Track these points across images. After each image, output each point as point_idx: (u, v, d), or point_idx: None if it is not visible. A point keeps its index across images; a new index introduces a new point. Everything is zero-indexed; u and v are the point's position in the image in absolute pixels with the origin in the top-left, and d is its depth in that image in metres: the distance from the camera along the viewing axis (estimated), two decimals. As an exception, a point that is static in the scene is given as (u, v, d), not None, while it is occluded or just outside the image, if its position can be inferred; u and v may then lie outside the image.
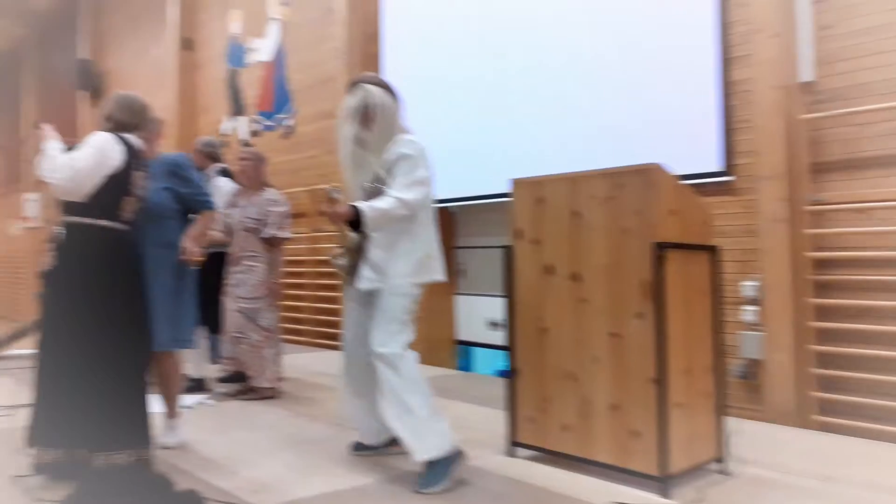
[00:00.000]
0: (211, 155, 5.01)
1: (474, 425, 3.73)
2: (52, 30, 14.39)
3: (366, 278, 2.91)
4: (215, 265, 4.65)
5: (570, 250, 2.94)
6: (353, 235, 2.94)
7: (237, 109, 9.20)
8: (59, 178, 2.63)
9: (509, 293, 3.17)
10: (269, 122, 8.63)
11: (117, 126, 2.93)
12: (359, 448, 3.23)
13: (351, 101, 2.92)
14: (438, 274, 2.98)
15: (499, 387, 3.89)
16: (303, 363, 6.08)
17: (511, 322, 3.16)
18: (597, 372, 2.83)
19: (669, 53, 4.55)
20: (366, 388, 3.03)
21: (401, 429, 2.79)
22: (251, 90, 8.97)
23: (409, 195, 2.81)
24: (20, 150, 15.19)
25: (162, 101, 10.53)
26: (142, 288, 2.90)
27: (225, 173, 4.86)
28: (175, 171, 3.29)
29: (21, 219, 14.66)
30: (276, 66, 8.52)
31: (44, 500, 2.53)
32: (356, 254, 2.97)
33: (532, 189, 3.10)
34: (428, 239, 2.95)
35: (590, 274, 2.87)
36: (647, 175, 2.71)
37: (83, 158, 2.69)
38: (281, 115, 8.41)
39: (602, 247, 2.83)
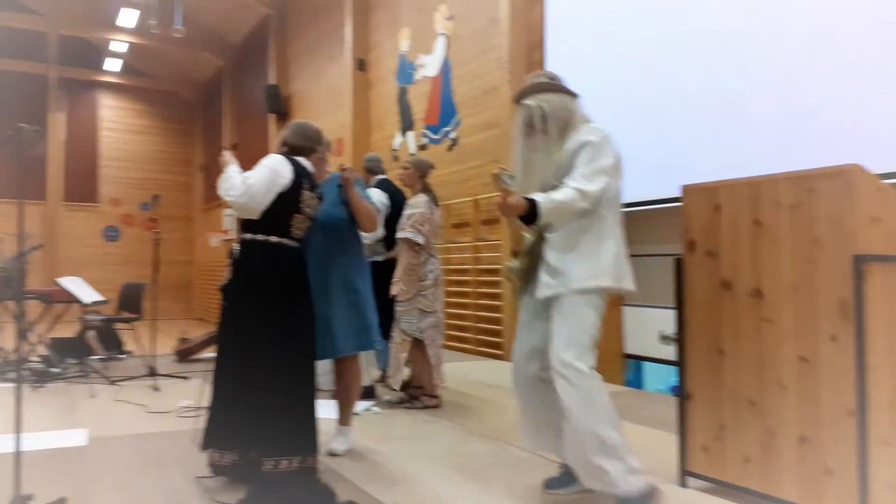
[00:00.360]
0: (370, 169, 5.18)
1: (643, 449, 3.47)
2: (246, 60, 15.81)
3: (543, 284, 2.62)
4: (379, 273, 4.77)
5: (751, 264, 2.65)
6: (527, 236, 2.75)
7: (406, 125, 9.51)
8: (235, 196, 2.81)
9: (680, 310, 2.93)
10: (435, 136, 8.82)
11: (291, 150, 3.11)
12: (553, 486, 2.87)
13: (517, 121, 2.79)
14: (628, 281, 2.64)
15: (671, 406, 3.62)
16: (465, 371, 6.10)
17: (683, 341, 2.92)
18: (782, 400, 2.52)
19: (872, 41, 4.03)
20: (539, 402, 2.76)
21: (585, 461, 2.49)
22: (419, 105, 9.23)
23: (591, 186, 2.51)
24: (218, 170, 16.79)
25: (338, 120, 11.19)
26: (310, 300, 3.02)
27: (381, 185, 4.99)
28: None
29: (220, 232, 16.21)
30: (442, 80, 8.70)
31: (219, 502, 2.70)
32: (531, 257, 2.74)
33: (706, 196, 2.84)
34: (615, 238, 2.63)
35: (774, 290, 2.57)
36: (843, 177, 2.37)
37: (256, 177, 2.86)
38: (447, 128, 8.57)
39: (788, 260, 2.53)
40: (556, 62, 6.82)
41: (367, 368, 4.81)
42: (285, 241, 2.95)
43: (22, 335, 5.59)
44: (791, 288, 2.51)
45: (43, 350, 5.69)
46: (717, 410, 2.76)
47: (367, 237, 4.46)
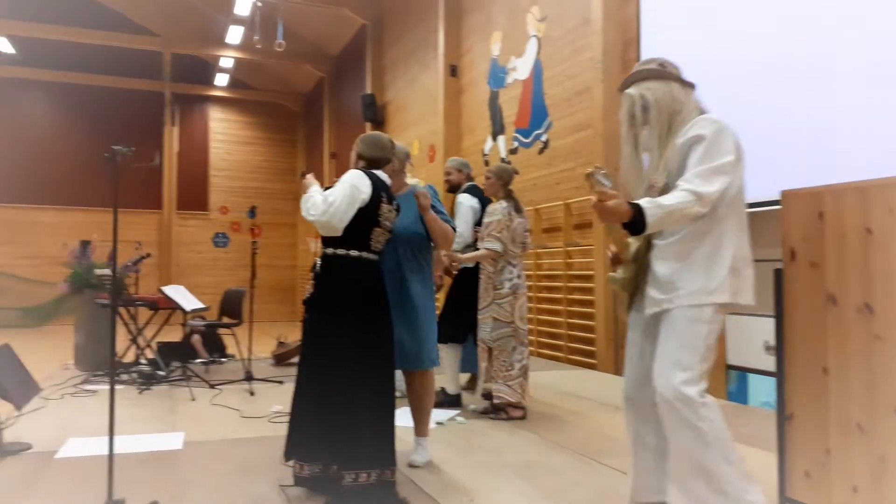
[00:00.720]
0: (466, 175, 5.11)
1: (740, 471, 3.28)
2: (344, 70, 16.24)
3: (651, 299, 2.36)
4: (467, 281, 4.74)
5: (860, 276, 2.41)
6: (632, 242, 2.47)
7: (498, 129, 9.44)
8: (317, 215, 2.83)
9: (780, 325, 2.71)
10: (525, 140, 8.71)
11: (367, 163, 3.11)
12: None
13: (621, 113, 2.51)
14: (746, 295, 2.33)
15: (773, 423, 3.38)
16: (556, 381, 5.96)
17: (783, 358, 2.70)
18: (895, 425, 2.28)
19: None
20: (653, 436, 2.49)
21: (690, 497, 2.25)
22: (510, 109, 9.15)
23: (707, 187, 2.19)
24: (320, 177, 17.35)
25: (431, 126, 11.28)
26: (388, 312, 3.01)
27: (469, 190, 4.94)
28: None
29: (317, 237, 16.70)
30: (534, 82, 8.58)
31: (300, 509, 2.73)
32: (638, 266, 2.47)
33: (809, 202, 2.62)
34: (735, 245, 2.31)
35: (886, 306, 2.32)
36: (967, 180, 2.12)
37: (336, 195, 2.86)
38: (538, 131, 8.44)
39: (903, 271, 2.28)
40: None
41: (455, 377, 4.78)
42: (365, 254, 2.95)
43: (132, 340, 5.94)
44: (906, 302, 2.26)
45: (151, 354, 6.01)
46: (821, 434, 2.53)
47: (457, 243, 4.44)
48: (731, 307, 2.34)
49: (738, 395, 5.95)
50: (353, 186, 2.90)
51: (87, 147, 18.16)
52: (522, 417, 4.40)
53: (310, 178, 3.06)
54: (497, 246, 4.31)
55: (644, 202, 2.18)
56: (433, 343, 3.32)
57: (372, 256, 2.99)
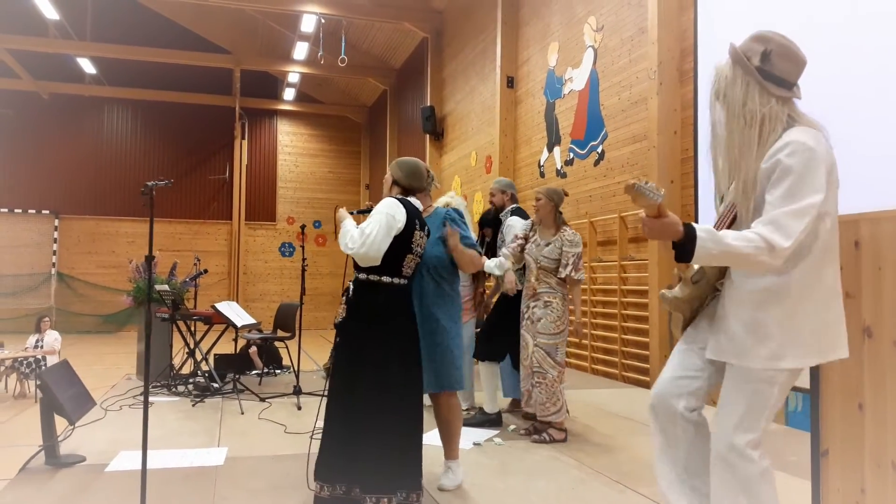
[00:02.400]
0: (513, 196, 5.07)
1: (782, 501, 3.14)
2: (406, 82, 16.45)
3: (717, 345, 2.12)
4: (504, 304, 4.73)
5: (896, 307, 2.29)
6: (697, 266, 2.20)
7: (554, 140, 9.37)
8: (355, 248, 2.88)
9: (815, 355, 2.58)
10: (581, 151, 8.61)
11: (401, 190, 3.16)
12: None
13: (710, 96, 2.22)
14: (836, 351, 2.04)
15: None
16: (606, 400, 5.85)
17: (818, 394, 2.58)
18: (934, 471, 2.14)
19: None
20: (685, 458, 2.28)
21: None
22: (566, 120, 9.07)
23: (782, 239, 1.85)
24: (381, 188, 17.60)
25: (488, 137, 11.29)
26: (417, 337, 3.03)
27: (517, 212, 4.90)
28: (455, 222, 3.38)
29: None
30: (590, 93, 8.48)
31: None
32: (700, 289, 2.23)
33: (845, 230, 2.48)
34: (819, 294, 1.98)
35: (923, 340, 2.19)
36: None
37: (372, 227, 2.89)
38: (593, 142, 8.33)
39: (942, 305, 2.15)
40: (709, 70, 6.39)
41: (492, 395, 4.76)
42: (396, 280, 2.99)
43: (189, 353, 6.17)
44: (945, 339, 2.13)
45: (206, 366, 6.22)
46: (856, 471, 2.40)
47: (504, 266, 4.43)
48: (813, 364, 2.10)
49: (802, 416, 5.69)
50: (389, 216, 2.93)
51: (162, 160, 19.00)
52: (564, 440, 4.34)
53: (342, 211, 3.12)
54: (583, 276, 4.41)
55: (701, 230, 1.88)
56: (457, 366, 3.30)
57: (402, 282, 3.02)
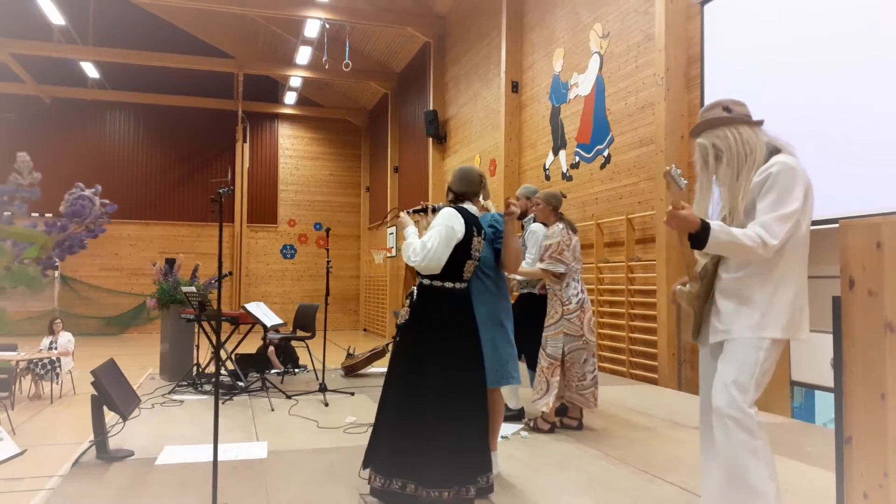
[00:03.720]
0: (530, 202, 5.24)
1: (801, 489, 3.35)
2: (408, 86, 16.63)
3: (713, 328, 2.58)
4: (527, 303, 4.93)
5: (916, 304, 2.49)
6: (701, 260, 2.64)
7: (559, 144, 9.58)
8: (417, 261, 3.06)
9: (838, 351, 2.79)
10: (587, 155, 8.82)
11: (457, 197, 3.32)
12: None
13: (696, 158, 2.67)
14: (801, 331, 2.51)
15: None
16: (619, 396, 6.05)
17: (842, 383, 2.78)
18: (954, 453, 2.34)
19: None
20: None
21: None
22: (571, 124, 9.27)
23: (772, 238, 2.37)
24: (384, 190, 17.78)
25: (493, 141, 11.49)
26: (478, 338, 3.21)
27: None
28: (496, 228, 3.56)
29: (384, 249, 17.10)
30: (596, 98, 8.69)
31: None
32: (704, 284, 2.62)
33: (867, 232, 2.69)
34: (794, 283, 2.49)
35: (942, 334, 2.40)
36: None
37: (433, 240, 3.05)
38: (599, 146, 8.54)
39: (959, 301, 2.35)
40: (715, 76, 6.62)
41: (514, 392, 4.95)
42: (457, 285, 3.16)
43: (216, 352, 6.33)
44: (962, 332, 2.33)
45: (230, 365, 6.39)
46: (879, 456, 2.60)
47: (526, 268, 4.65)
48: (784, 342, 2.50)
49: (805, 412, 5.91)
50: (449, 227, 3.09)
51: (164, 163, 19.13)
52: (549, 431, 4.56)
53: (405, 217, 3.28)
54: (560, 268, 4.47)
55: (714, 223, 2.38)
56: (502, 363, 3.48)
57: (463, 286, 3.19)
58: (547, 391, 4.52)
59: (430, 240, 3.06)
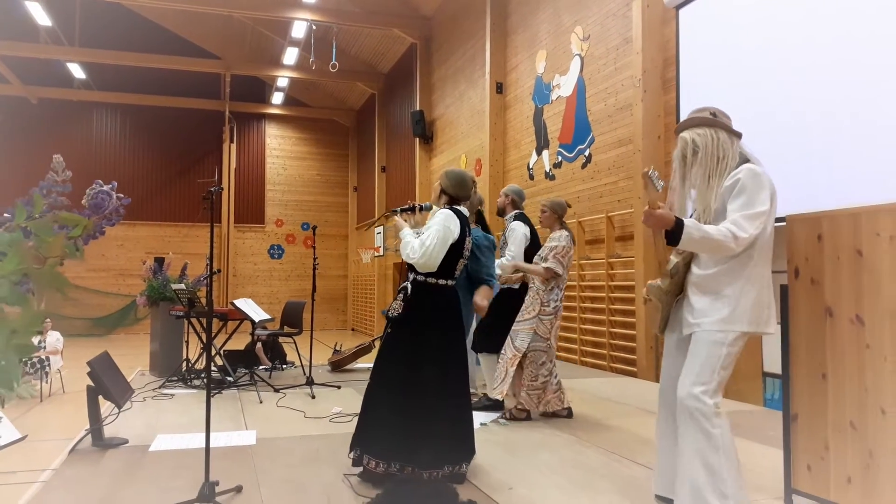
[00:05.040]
0: (514, 202, 5.43)
1: (760, 468, 3.58)
2: (394, 87, 16.82)
3: (685, 321, 2.74)
4: (507, 300, 5.14)
5: (852, 292, 2.72)
6: (674, 259, 2.81)
7: (542, 144, 9.80)
8: (415, 259, 3.27)
9: (785, 335, 3.02)
10: (569, 154, 9.05)
11: (451, 199, 3.52)
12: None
13: (675, 153, 2.84)
14: (767, 325, 2.65)
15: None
16: (597, 387, 6.27)
17: (788, 365, 3.01)
18: (882, 423, 2.57)
19: None
20: (676, 436, 2.78)
21: (693, 493, 2.57)
22: (554, 125, 9.50)
23: (742, 232, 2.53)
24: (371, 189, 17.96)
25: (478, 141, 11.70)
26: (464, 331, 3.44)
27: (520, 217, 5.27)
28: (477, 246, 3.78)
29: (371, 248, 17.28)
30: (577, 99, 8.91)
31: (361, 496, 3.15)
32: (674, 281, 2.79)
33: (809, 226, 2.93)
34: (759, 282, 2.64)
35: (874, 318, 2.63)
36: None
37: (432, 239, 3.26)
38: (581, 146, 8.77)
39: (888, 289, 2.58)
40: (690, 78, 6.85)
41: (499, 383, 5.14)
42: (449, 282, 3.40)
43: (206, 348, 6.50)
44: (890, 315, 2.56)
45: (219, 361, 6.55)
46: (821, 432, 2.83)
47: (508, 267, 4.86)
48: (752, 335, 2.67)
49: (778, 402, 6.15)
50: (446, 228, 3.30)
51: (151, 164, 19.21)
52: (525, 418, 4.79)
53: (399, 221, 3.50)
54: (560, 269, 4.71)
55: (688, 221, 2.56)
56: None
57: (452, 282, 3.42)
58: (503, 379, 4.75)
59: (428, 239, 3.26)
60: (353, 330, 20.22)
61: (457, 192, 3.51)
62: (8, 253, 1.49)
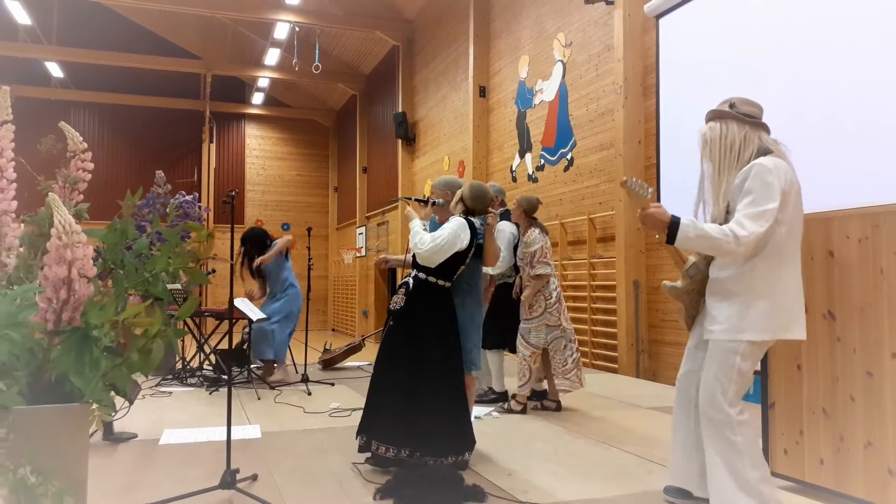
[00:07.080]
0: (501, 201, 5.64)
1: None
2: (376, 88, 16.96)
3: (704, 327, 2.68)
4: (505, 293, 5.38)
5: (824, 289, 2.99)
6: (692, 259, 2.77)
7: (525, 147, 10.05)
8: (422, 250, 3.46)
9: (764, 329, 3.27)
10: (552, 158, 9.30)
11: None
12: (670, 492, 2.98)
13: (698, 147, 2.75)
14: (788, 330, 2.53)
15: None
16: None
17: (766, 357, 3.27)
18: (851, 410, 2.84)
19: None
20: (697, 438, 2.78)
21: (723, 498, 2.55)
22: (537, 128, 9.75)
23: (743, 230, 2.40)
24: (353, 190, 18.09)
25: (461, 143, 11.92)
26: (456, 326, 3.64)
27: (505, 216, 5.50)
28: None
29: (354, 249, 17.40)
30: (560, 104, 9.17)
31: (372, 482, 3.35)
32: (693, 281, 2.75)
33: (786, 228, 3.18)
34: (775, 285, 2.50)
35: (843, 314, 2.89)
36: (905, 214, 2.68)
37: (443, 239, 3.46)
38: (563, 150, 9.03)
39: (857, 287, 2.85)
40: (670, 85, 7.14)
41: (500, 377, 5.40)
42: (447, 283, 3.62)
43: (200, 347, 6.63)
44: (859, 311, 2.83)
45: (213, 360, 6.70)
46: (796, 418, 3.10)
47: (500, 265, 5.09)
48: (770, 343, 2.61)
49: (755, 397, 6.44)
50: (458, 235, 3.52)
51: (130, 163, 19.11)
52: (522, 412, 5.04)
53: (411, 210, 3.72)
54: (549, 269, 4.98)
55: (684, 219, 2.47)
56: (470, 352, 3.86)
57: (448, 283, 3.65)
58: (529, 377, 5.03)
59: (440, 237, 3.47)
60: (333, 330, 20.31)
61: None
62: (163, 252, 1.67)
